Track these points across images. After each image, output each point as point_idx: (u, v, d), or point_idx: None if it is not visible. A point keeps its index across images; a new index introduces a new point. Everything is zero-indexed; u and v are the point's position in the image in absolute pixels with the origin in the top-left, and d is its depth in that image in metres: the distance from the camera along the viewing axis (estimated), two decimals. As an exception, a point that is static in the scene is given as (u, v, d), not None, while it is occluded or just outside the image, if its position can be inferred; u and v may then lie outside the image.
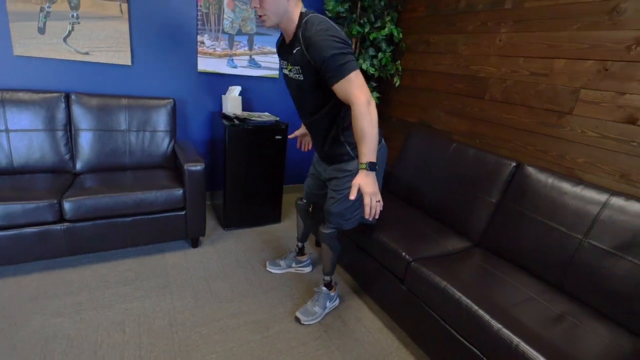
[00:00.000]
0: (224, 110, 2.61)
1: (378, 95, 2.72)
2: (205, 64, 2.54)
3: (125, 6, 2.22)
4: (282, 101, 2.94)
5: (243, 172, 2.43)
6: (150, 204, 1.99)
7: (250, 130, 2.36)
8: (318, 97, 1.44)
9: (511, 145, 1.94)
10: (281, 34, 1.50)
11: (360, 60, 2.51)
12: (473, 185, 1.91)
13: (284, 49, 1.47)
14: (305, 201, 1.97)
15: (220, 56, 2.57)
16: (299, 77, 1.40)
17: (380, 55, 2.48)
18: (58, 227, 1.82)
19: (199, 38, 2.47)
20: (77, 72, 2.24)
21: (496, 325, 1.25)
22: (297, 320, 1.74)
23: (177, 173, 2.28)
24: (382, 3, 2.42)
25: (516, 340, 1.19)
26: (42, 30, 2.09)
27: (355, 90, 1.26)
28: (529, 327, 1.24)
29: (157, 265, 2.06)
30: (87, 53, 2.22)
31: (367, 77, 2.67)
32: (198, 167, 2.07)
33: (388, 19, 2.44)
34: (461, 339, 1.37)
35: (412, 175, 2.24)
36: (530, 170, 1.71)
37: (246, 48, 2.64)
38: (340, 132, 1.52)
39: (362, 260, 1.93)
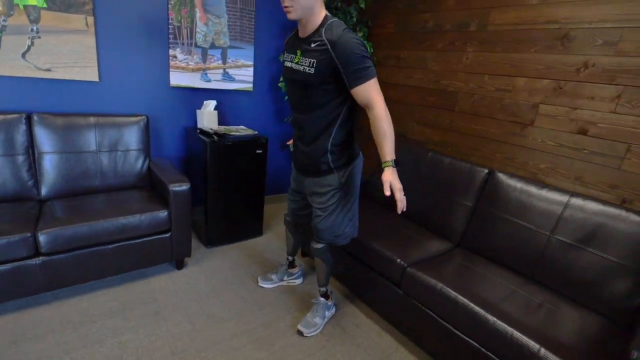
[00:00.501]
0: (199, 125, 2.56)
1: (350, 106, 2.84)
2: (178, 79, 2.47)
3: (91, 19, 2.09)
4: (257, 114, 2.94)
5: (224, 188, 2.40)
6: (134, 228, 1.90)
7: (230, 145, 2.34)
8: (320, 94, 1.47)
9: (481, 154, 2.15)
10: (293, 31, 1.57)
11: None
12: (450, 190, 2.09)
13: (295, 42, 1.52)
14: (290, 219, 1.99)
15: (193, 70, 2.52)
16: (309, 70, 1.42)
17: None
18: (33, 262, 1.67)
19: (171, 52, 2.40)
20: (38, 91, 2.07)
21: (491, 318, 1.40)
22: (300, 333, 1.77)
23: (154, 193, 2.19)
24: (354, 19, 2.53)
25: (510, 330, 1.35)
26: (-4, 45, 1.90)
27: (375, 94, 1.38)
28: (518, 317, 1.41)
29: (143, 291, 1.97)
30: (49, 69, 2.05)
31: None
32: (183, 187, 2.01)
33: (360, 34, 2.56)
34: (460, 334, 1.51)
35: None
36: (501, 176, 1.92)
37: (220, 62, 2.61)
38: (329, 138, 1.54)
39: (354, 268, 2.01)
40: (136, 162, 2.29)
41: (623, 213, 1.54)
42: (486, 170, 1.98)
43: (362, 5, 2.47)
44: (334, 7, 2.53)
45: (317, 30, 1.41)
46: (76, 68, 2.13)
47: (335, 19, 1.42)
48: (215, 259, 2.36)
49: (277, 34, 2.84)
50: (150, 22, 2.28)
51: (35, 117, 1.99)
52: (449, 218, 2.06)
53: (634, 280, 1.45)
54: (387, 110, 1.38)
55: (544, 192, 1.75)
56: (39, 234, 1.65)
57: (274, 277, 2.14)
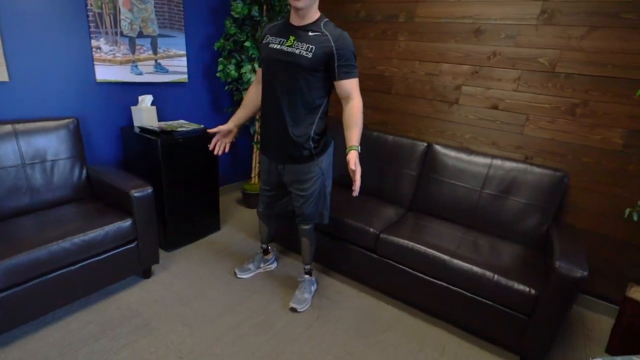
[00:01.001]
0: (137, 124, 2.35)
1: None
2: (104, 73, 2.21)
3: (-10, 5, 1.72)
4: (195, 106, 2.81)
5: (179, 188, 2.30)
6: (99, 243, 1.74)
7: (181, 142, 2.24)
8: (308, 79, 1.58)
9: (417, 129, 2.51)
10: (281, 20, 1.69)
11: (274, 62, 2.64)
12: (396, 164, 2.41)
13: (287, 28, 1.61)
14: (263, 210, 2.04)
15: (121, 62, 2.27)
16: (306, 53, 1.53)
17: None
18: (-13, 301, 1.43)
19: (94, 43, 2.12)
20: None
21: (455, 261, 1.77)
22: (294, 310, 1.91)
23: (102, 203, 1.98)
24: (289, 7, 2.59)
25: (469, 266, 1.73)
26: None
27: (356, 89, 1.60)
28: (471, 257, 1.80)
29: (119, 307, 1.84)
30: (-60, 69, 1.65)
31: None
32: (147, 191, 1.89)
33: (295, 22, 2.63)
34: (432, 279, 1.85)
35: (343, 162, 2.60)
36: (437, 147, 2.31)
37: (150, 52, 2.40)
38: (312, 126, 1.66)
39: (327, 245, 2.20)
40: (72, 172, 2.02)
41: (528, 167, 2.05)
42: (425, 144, 2.35)
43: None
44: (273, 5, 2.54)
45: (315, 22, 1.56)
46: (-22, 66, 1.75)
47: (327, 19, 1.61)
48: (181, 261, 2.28)
49: (208, 20, 2.70)
50: (64, 8, 1.97)
51: None
52: (398, 187, 2.40)
53: (541, 214, 1.98)
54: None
55: (473, 158, 2.19)
56: (-11, 270, 1.41)
57: (250, 266, 2.20)
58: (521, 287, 1.62)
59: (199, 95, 2.82)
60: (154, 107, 2.38)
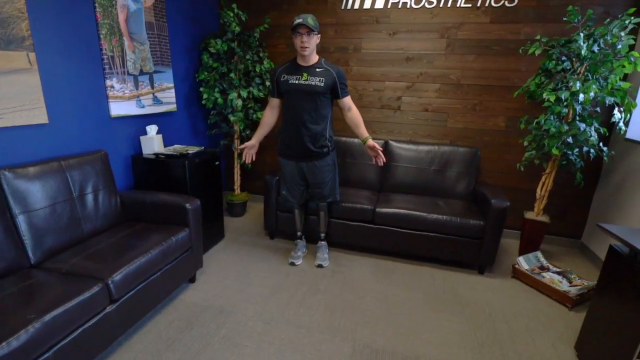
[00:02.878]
0: (147, 151, 2.59)
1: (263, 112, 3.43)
2: (117, 109, 2.41)
3: (33, 55, 1.87)
4: (183, 132, 3.10)
5: (203, 202, 2.62)
6: (172, 251, 2.02)
7: (198, 163, 2.58)
8: (324, 101, 2.28)
9: (372, 131, 3.32)
10: (288, 63, 2.31)
11: (250, 88, 3.14)
12: (363, 158, 3.17)
13: (298, 68, 2.25)
14: (297, 201, 2.62)
15: (129, 98, 2.50)
16: (320, 83, 2.21)
17: (266, 82, 3.20)
18: (110, 309, 1.65)
19: (108, 82, 2.33)
20: (-14, 143, 1.72)
21: (430, 215, 2.59)
22: (320, 266, 2.58)
23: (146, 224, 2.23)
24: (257, 42, 3.12)
25: (438, 216, 2.58)
26: None
27: (352, 102, 2.36)
28: (438, 211, 2.65)
29: (187, 306, 2.13)
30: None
31: (257, 99, 3.33)
32: (196, 203, 2.24)
33: (265, 54, 3.18)
34: (417, 232, 2.64)
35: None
36: (392, 142, 3.14)
37: (149, 87, 2.65)
38: (326, 130, 2.35)
39: (333, 226, 2.81)
40: (109, 200, 2.21)
41: (454, 148, 3.03)
42: (383, 141, 3.16)
43: (261, 29, 3.10)
44: (241, 35, 3.03)
45: (318, 62, 2.25)
46: (24, 111, 1.86)
47: (323, 58, 2.30)
48: (212, 263, 2.60)
49: (185, 55, 3.05)
50: (85, 53, 2.16)
51: (5, 174, 1.70)
52: (368, 176, 3.16)
53: (468, 177, 2.97)
54: None
55: (418, 147, 3.09)
56: (109, 281, 1.64)
57: (299, 253, 2.72)
58: (474, 221, 2.52)
59: (185, 122, 3.13)
60: (160, 135, 2.65)
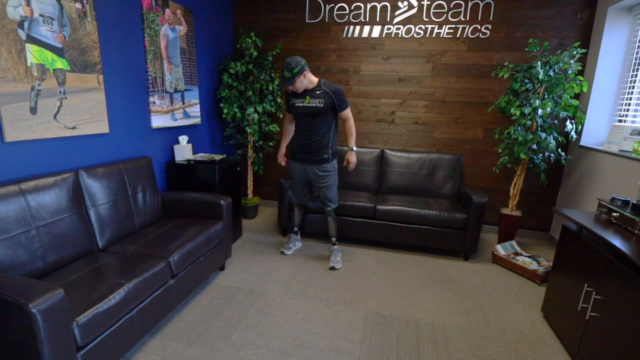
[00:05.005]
0: (179, 158, 2.98)
1: (276, 125, 3.87)
2: (157, 121, 2.82)
3: (101, 77, 2.28)
4: (206, 142, 3.51)
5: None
6: (211, 240, 2.41)
7: (225, 168, 2.99)
8: (326, 117, 2.71)
9: (369, 141, 3.81)
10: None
11: (264, 104, 3.59)
12: (361, 165, 3.63)
13: (302, 92, 2.67)
14: (299, 200, 3.03)
15: (166, 112, 2.90)
16: (320, 104, 2.65)
17: (278, 99, 3.66)
18: (171, 282, 2.02)
19: (151, 99, 2.74)
20: (66, 148, 2.11)
21: (422, 211, 3.06)
22: (333, 268, 2.90)
23: (184, 219, 2.62)
24: (270, 64, 3.59)
25: (429, 212, 3.05)
26: (33, 110, 1.91)
27: (350, 114, 2.78)
28: (428, 208, 3.12)
29: (222, 288, 2.51)
30: (74, 127, 2.13)
31: (269, 114, 3.78)
32: (228, 200, 2.64)
33: (277, 75, 3.65)
34: (411, 225, 3.10)
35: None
36: (387, 151, 3.63)
37: (180, 103, 3.07)
38: (328, 142, 2.79)
39: (338, 223, 3.24)
40: (154, 198, 2.59)
41: (441, 155, 3.53)
42: (379, 150, 3.64)
43: (273, 53, 3.58)
44: (257, 58, 3.50)
45: (318, 84, 2.68)
46: (93, 123, 2.25)
47: (323, 79, 2.76)
48: (237, 255, 2.98)
49: (208, 76, 3.49)
50: (135, 75, 2.58)
51: (82, 173, 2.08)
52: (366, 180, 3.62)
53: (453, 180, 3.47)
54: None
55: (410, 155, 3.58)
56: (171, 259, 2.02)
57: (291, 245, 3.11)
58: (459, 215, 3.00)
59: (208, 133, 3.54)
60: (190, 145, 3.06)
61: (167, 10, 2.83)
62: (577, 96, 3.20)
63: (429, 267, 2.95)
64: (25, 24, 1.82)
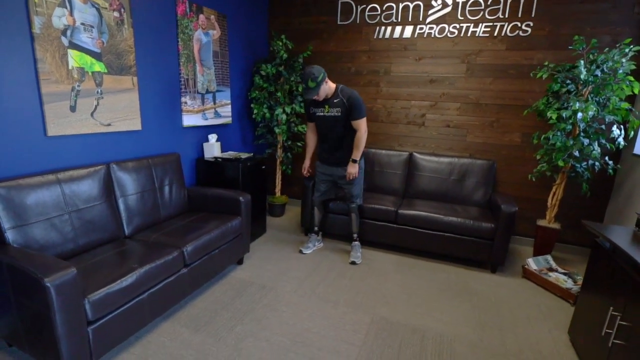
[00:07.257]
0: (208, 155, 3.15)
1: (305, 125, 3.93)
2: (188, 120, 3.01)
3: (135, 79, 2.49)
4: (235, 140, 3.67)
5: (254, 199, 3.13)
6: (228, 234, 2.52)
7: (250, 165, 3.11)
8: (344, 125, 2.72)
9: (398, 144, 3.72)
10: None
11: (293, 105, 3.66)
12: (390, 167, 3.56)
13: (321, 102, 2.70)
14: (318, 199, 3.07)
15: (197, 112, 3.09)
16: (337, 113, 2.67)
17: (306, 100, 3.72)
18: (184, 271, 2.15)
19: (182, 99, 2.93)
20: (101, 143, 2.34)
21: (447, 218, 2.93)
22: (353, 263, 2.91)
23: (206, 213, 2.75)
24: (300, 66, 3.66)
25: (455, 219, 2.90)
26: (73, 108, 2.14)
27: (362, 124, 2.73)
28: (454, 215, 2.97)
29: (237, 282, 2.61)
30: (109, 124, 2.35)
31: (298, 114, 3.85)
32: (247, 197, 2.74)
33: (306, 77, 3.71)
34: (434, 232, 2.98)
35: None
36: (416, 154, 3.52)
37: (212, 103, 3.25)
38: (349, 145, 2.79)
39: (361, 225, 3.21)
40: (180, 192, 2.77)
41: (473, 161, 3.35)
42: (408, 153, 3.55)
43: (304, 55, 3.65)
44: (288, 60, 3.58)
45: (335, 92, 2.68)
46: (127, 120, 2.47)
47: (342, 84, 2.75)
48: (256, 252, 3.08)
49: (240, 77, 3.65)
50: (168, 76, 2.78)
51: (113, 166, 2.29)
52: (393, 183, 3.54)
53: (485, 187, 3.27)
54: (366, 133, 2.76)
55: (439, 159, 3.44)
56: (184, 249, 2.15)
57: (310, 244, 3.13)
58: (487, 224, 2.83)
59: (238, 132, 3.70)
60: (219, 143, 3.22)
61: (201, 16, 3.01)
62: (629, 99, 2.86)
63: (450, 277, 2.81)
64: (68, 32, 2.05)
